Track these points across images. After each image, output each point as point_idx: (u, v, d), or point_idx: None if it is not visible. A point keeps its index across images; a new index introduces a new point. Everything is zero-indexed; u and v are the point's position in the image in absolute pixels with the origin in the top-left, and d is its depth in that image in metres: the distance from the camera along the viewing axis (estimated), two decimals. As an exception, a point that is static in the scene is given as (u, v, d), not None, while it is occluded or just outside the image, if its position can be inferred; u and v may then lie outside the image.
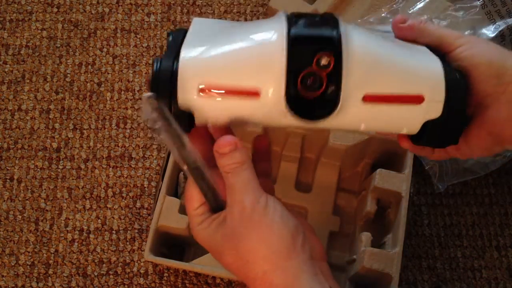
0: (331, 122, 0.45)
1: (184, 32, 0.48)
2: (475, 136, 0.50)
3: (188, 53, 0.45)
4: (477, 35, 0.79)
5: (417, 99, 0.46)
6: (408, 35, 0.51)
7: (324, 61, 0.43)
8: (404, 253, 0.71)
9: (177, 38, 0.47)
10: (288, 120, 0.45)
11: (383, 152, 0.79)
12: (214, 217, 0.47)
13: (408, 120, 0.47)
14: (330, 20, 0.46)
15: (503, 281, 0.77)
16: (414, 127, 0.47)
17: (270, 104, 0.44)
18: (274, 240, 0.45)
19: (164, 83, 0.44)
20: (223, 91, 0.44)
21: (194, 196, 0.48)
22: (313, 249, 0.47)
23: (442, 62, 0.47)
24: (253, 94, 0.44)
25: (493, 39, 0.79)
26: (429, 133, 0.48)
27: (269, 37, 0.45)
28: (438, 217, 0.81)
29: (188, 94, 0.44)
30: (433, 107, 0.46)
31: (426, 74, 0.46)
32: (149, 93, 0.43)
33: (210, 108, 0.45)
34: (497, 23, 0.80)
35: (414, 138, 0.50)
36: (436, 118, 0.46)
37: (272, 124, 0.47)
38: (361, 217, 0.77)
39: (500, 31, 0.79)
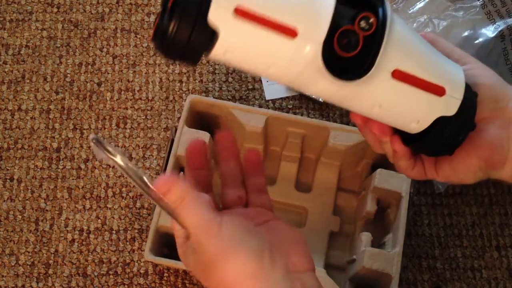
0: (355, 88, 0.44)
1: None
2: (463, 157, 0.50)
3: None
4: (477, 35, 0.79)
5: (440, 91, 0.46)
6: None
7: (366, 23, 0.43)
8: (404, 253, 0.71)
9: None
10: (314, 75, 0.44)
11: (383, 152, 0.79)
12: (188, 244, 0.47)
13: (425, 110, 0.47)
14: None
15: (503, 281, 0.77)
16: (427, 120, 0.47)
17: (304, 48, 0.43)
18: (232, 276, 0.44)
19: None
20: (261, 19, 0.42)
21: None
22: (289, 263, 0.46)
23: None
24: (290, 32, 0.42)
25: (493, 39, 0.79)
26: (435, 133, 0.48)
27: None
28: (438, 217, 0.81)
29: (222, 13, 0.41)
30: (451, 103, 0.47)
31: (449, 71, 0.48)
32: (93, 135, 0.44)
33: (241, 33, 0.42)
34: (497, 23, 0.80)
35: (410, 140, 0.50)
36: (449, 116, 0.47)
37: (290, 79, 0.45)
38: (361, 217, 0.77)
39: (500, 31, 0.79)
